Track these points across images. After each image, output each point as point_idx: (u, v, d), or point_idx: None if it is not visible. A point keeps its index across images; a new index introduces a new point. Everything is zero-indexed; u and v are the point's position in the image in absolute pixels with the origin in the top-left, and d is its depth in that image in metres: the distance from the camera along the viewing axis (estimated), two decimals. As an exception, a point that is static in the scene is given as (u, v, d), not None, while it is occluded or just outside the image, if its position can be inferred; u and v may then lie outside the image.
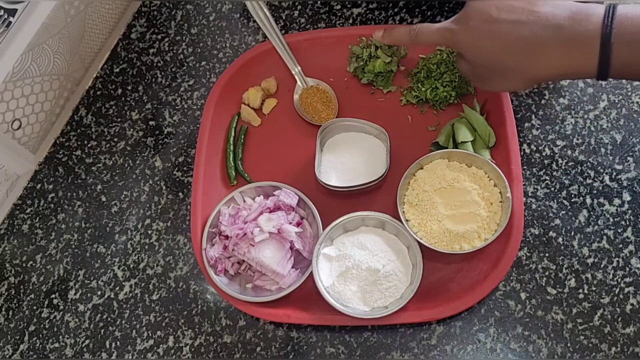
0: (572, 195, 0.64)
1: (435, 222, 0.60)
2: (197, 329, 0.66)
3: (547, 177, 0.65)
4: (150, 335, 0.67)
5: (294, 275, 0.62)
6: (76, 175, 0.78)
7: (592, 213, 0.62)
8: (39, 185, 0.78)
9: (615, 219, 0.62)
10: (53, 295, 0.71)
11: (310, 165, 0.67)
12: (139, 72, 0.82)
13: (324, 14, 0.80)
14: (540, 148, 0.66)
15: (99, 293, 0.70)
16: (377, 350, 0.61)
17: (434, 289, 0.61)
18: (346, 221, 0.62)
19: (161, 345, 0.66)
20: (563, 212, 0.63)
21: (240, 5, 0.83)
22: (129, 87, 0.82)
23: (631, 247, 0.60)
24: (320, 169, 0.67)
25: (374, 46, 0.71)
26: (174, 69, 0.81)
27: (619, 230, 0.61)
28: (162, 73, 0.81)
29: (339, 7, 0.80)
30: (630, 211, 0.62)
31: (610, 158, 0.65)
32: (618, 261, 0.60)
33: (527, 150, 0.66)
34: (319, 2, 0.81)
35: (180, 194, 0.73)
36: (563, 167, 0.65)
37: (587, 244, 0.61)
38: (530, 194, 0.64)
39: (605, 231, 0.62)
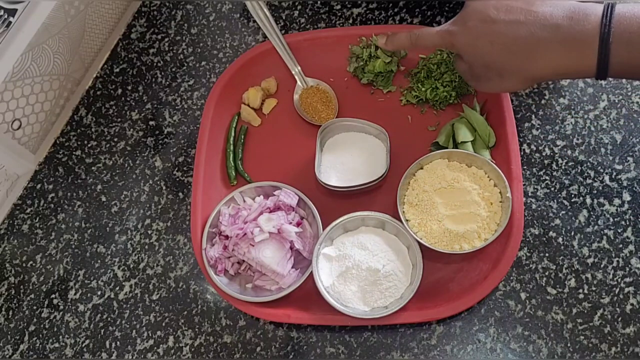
0: (572, 195, 0.64)
1: (435, 222, 0.60)
2: (197, 329, 0.66)
3: (547, 177, 0.65)
4: (150, 335, 0.67)
5: (294, 275, 0.62)
6: (76, 175, 0.78)
7: (592, 213, 0.62)
8: (39, 185, 0.78)
9: (615, 219, 0.62)
10: (53, 295, 0.71)
11: (310, 165, 0.67)
12: (139, 72, 0.82)
13: (324, 14, 0.80)
14: (540, 148, 0.66)
15: (99, 293, 0.70)
16: (377, 350, 0.61)
17: (434, 289, 0.61)
18: (346, 221, 0.62)
19: (161, 345, 0.66)
20: (563, 212, 0.63)
21: (240, 5, 0.83)
22: (129, 87, 0.82)
23: (631, 247, 0.60)
24: (320, 169, 0.67)
25: (374, 46, 0.71)
26: (174, 69, 0.81)
27: (619, 230, 0.61)
28: (162, 73, 0.81)
29: (339, 7, 0.80)
30: (630, 211, 0.62)
31: (610, 158, 0.65)
32: (618, 261, 0.60)
33: (527, 150, 0.66)
34: (319, 2, 0.81)
35: (180, 194, 0.73)
36: (563, 167, 0.65)
37: (587, 244, 0.61)
38: (530, 194, 0.64)
39: (605, 231, 0.62)
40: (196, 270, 0.69)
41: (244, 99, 0.75)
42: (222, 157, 0.72)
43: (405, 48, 0.67)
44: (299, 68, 0.74)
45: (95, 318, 0.69)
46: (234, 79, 0.74)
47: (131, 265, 0.71)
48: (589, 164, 0.65)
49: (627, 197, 0.63)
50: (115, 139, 0.79)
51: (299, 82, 0.73)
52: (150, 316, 0.67)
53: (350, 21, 0.78)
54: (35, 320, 0.70)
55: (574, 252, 0.61)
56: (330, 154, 0.69)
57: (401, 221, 0.61)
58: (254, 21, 0.80)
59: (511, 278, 0.61)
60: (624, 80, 0.68)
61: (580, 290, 0.60)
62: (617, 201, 0.63)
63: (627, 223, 0.61)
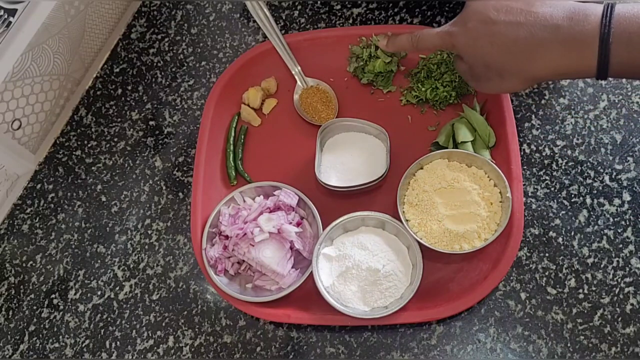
0: (572, 195, 0.64)
1: (435, 222, 0.60)
2: (197, 329, 0.66)
3: (547, 177, 0.65)
4: (150, 335, 0.67)
5: (294, 275, 0.62)
6: (76, 175, 0.78)
7: (592, 213, 0.62)
8: (39, 185, 0.78)
9: (615, 219, 0.62)
10: (53, 295, 0.71)
11: (310, 165, 0.67)
12: (139, 72, 0.82)
13: (324, 14, 0.80)
14: (540, 148, 0.66)
15: (99, 293, 0.70)
16: (377, 350, 0.61)
17: (434, 289, 0.61)
18: (346, 221, 0.62)
19: (161, 345, 0.66)
20: (563, 212, 0.63)
21: (240, 5, 0.83)
22: (129, 87, 0.82)
23: (631, 247, 0.60)
24: (320, 169, 0.67)
25: (374, 46, 0.71)
26: (174, 69, 0.81)
27: (619, 230, 0.61)
28: (162, 73, 0.81)
29: (339, 7, 0.80)
30: (630, 211, 0.62)
31: (610, 158, 0.65)
32: (618, 261, 0.60)
33: (527, 150, 0.66)
34: (319, 2, 0.81)
35: (180, 194, 0.73)
36: (563, 167, 0.65)
37: (587, 244, 0.61)
38: (530, 194, 0.64)
39: (605, 231, 0.62)
40: (196, 270, 0.69)
41: (244, 99, 0.75)
42: (222, 157, 0.72)
43: (406, 50, 0.67)
44: (299, 68, 0.74)
45: (95, 318, 0.69)
46: (234, 79, 0.74)
47: (131, 265, 0.71)
48: (589, 164, 0.65)
49: (627, 197, 0.63)
50: (115, 139, 0.79)
51: (299, 82, 0.73)
52: (150, 316, 0.67)
53: (350, 21, 0.78)
54: (35, 320, 0.70)
55: (574, 252, 0.61)
56: (330, 154, 0.69)
57: (401, 221, 0.61)
58: (254, 21, 0.80)
59: (511, 278, 0.61)
60: (624, 80, 0.68)
61: (580, 290, 0.60)
62: (617, 201, 0.63)
63: (627, 223, 0.61)
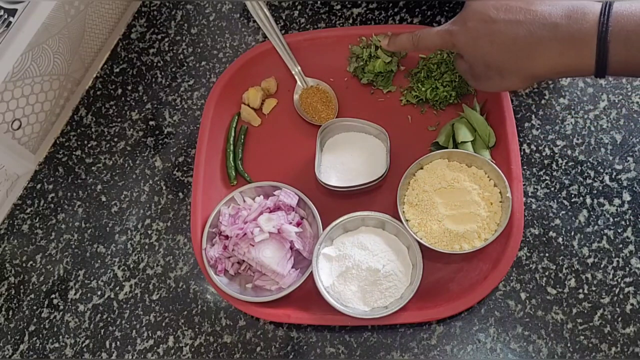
0: (572, 195, 0.64)
1: (435, 222, 0.60)
2: (197, 329, 0.66)
3: (547, 177, 0.65)
4: (150, 335, 0.67)
5: (294, 275, 0.62)
6: (76, 175, 0.78)
7: (592, 213, 0.62)
8: (39, 185, 0.78)
9: (615, 219, 0.62)
10: (53, 295, 0.71)
11: (310, 165, 0.67)
12: (139, 72, 0.82)
13: (324, 14, 0.80)
14: (540, 148, 0.66)
15: (99, 293, 0.70)
16: (377, 350, 0.61)
17: (434, 289, 0.61)
18: (346, 221, 0.62)
19: (161, 345, 0.66)
20: (563, 212, 0.63)
21: (240, 5, 0.83)
22: (129, 87, 0.82)
23: (631, 247, 0.60)
24: (320, 169, 0.67)
25: (374, 46, 0.71)
26: (174, 69, 0.81)
27: (619, 230, 0.61)
28: (162, 73, 0.81)
29: (339, 7, 0.80)
30: (630, 211, 0.62)
31: (610, 158, 0.65)
32: (618, 261, 0.60)
33: (527, 150, 0.66)
34: (319, 2, 0.81)
35: (180, 194, 0.73)
36: (563, 167, 0.65)
37: (587, 244, 0.61)
38: (530, 194, 0.64)
39: (605, 231, 0.62)
40: (196, 270, 0.69)
41: (244, 99, 0.75)
42: (222, 157, 0.72)
43: (406, 49, 0.68)
44: (299, 68, 0.74)
45: (95, 318, 0.69)
46: (234, 79, 0.74)
47: (131, 265, 0.71)
48: (589, 164, 0.65)
49: (627, 197, 0.63)
50: (115, 139, 0.79)
51: (299, 82, 0.73)
52: (150, 316, 0.67)
53: (350, 21, 0.78)
54: (35, 320, 0.70)
55: (574, 252, 0.61)
56: (330, 154, 0.69)
57: (401, 221, 0.61)
58: (254, 21, 0.80)
59: (511, 278, 0.61)
60: (624, 80, 0.68)
61: (580, 290, 0.60)
62: (617, 201, 0.63)
63: (627, 223, 0.61)
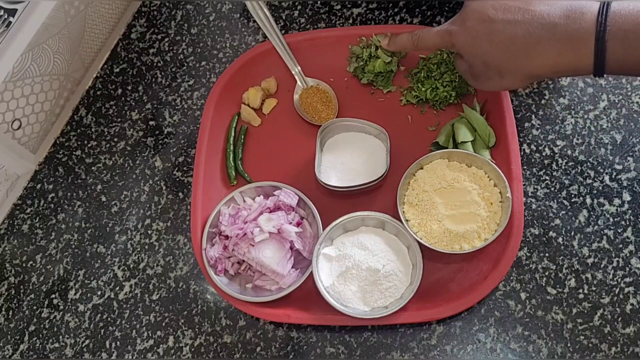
0: (572, 195, 0.64)
1: (435, 222, 0.60)
2: (197, 329, 0.66)
3: (547, 177, 0.65)
4: (150, 335, 0.67)
5: (294, 275, 0.62)
6: (76, 175, 0.78)
7: (592, 213, 0.62)
8: (39, 185, 0.78)
9: (615, 219, 0.62)
10: (53, 295, 0.71)
11: (310, 165, 0.67)
12: (139, 72, 0.82)
13: (324, 14, 0.80)
14: (540, 148, 0.66)
15: (99, 293, 0.70)
16: (377, 350, 0.61)
17: (434, 289, 0.61)
18: (346, 221, 0.62)
19: (161, 345, 0.66)
20: (563, 212, 0.63)
21: (240, 5, 0.83)
22: (129, 87, 0.82)
23: (631, 247, 0.60)
24: (320, 169, 0.67)
25: (374, 46, 0.71)
26: (174, 69, 0.81)
27: (619, 230, 0.61)
28: (162, 73, 0.81)
29: (339, 7, 0.80)
30: (630, 211, 0.62)
31: (610, 158, 0.65)
32: (618, 261, 0.60)
33: (527, 150, 0.66)
34: (319, 2, 0.81)
35: (180, 194, 0.73)
36: (563, 167, 0.65)
37: (587, 244, 0.61)
38: (530, 194, 0.64)
39: (605, 231, 0.62)
40: (196, 270, 0.69)
41: (244, 99, 0.75)
42: (222, 157, 0.72)
43: (406, 49, 0.68)
44: (299, 68, 0.74)
45: (95, 318, 0.69)
46: (234, 79, 0.74)
47: (131, 265, 0.71)
48: (589, 164, 0.65)
49: (627, 197, 0.63)
50: (115, 139, 0.79)
51: (299, 82, 0.73)
52: (150, 316, 0.67)
53: (350, 21, 0.78)
54: (35, 320, 0.70)
55: (574, 252, 0.61)
56: (330, 154, 0.69)
57: (401, 221, 0.61)
58: (254, 21, 0.80)
59: (511, 278, 0.61)
60: (624, 80, 0.68)
61: (580, 290, 0.60)
62: (617, 201, 0.63)
63: (627, 223, 0.61)
